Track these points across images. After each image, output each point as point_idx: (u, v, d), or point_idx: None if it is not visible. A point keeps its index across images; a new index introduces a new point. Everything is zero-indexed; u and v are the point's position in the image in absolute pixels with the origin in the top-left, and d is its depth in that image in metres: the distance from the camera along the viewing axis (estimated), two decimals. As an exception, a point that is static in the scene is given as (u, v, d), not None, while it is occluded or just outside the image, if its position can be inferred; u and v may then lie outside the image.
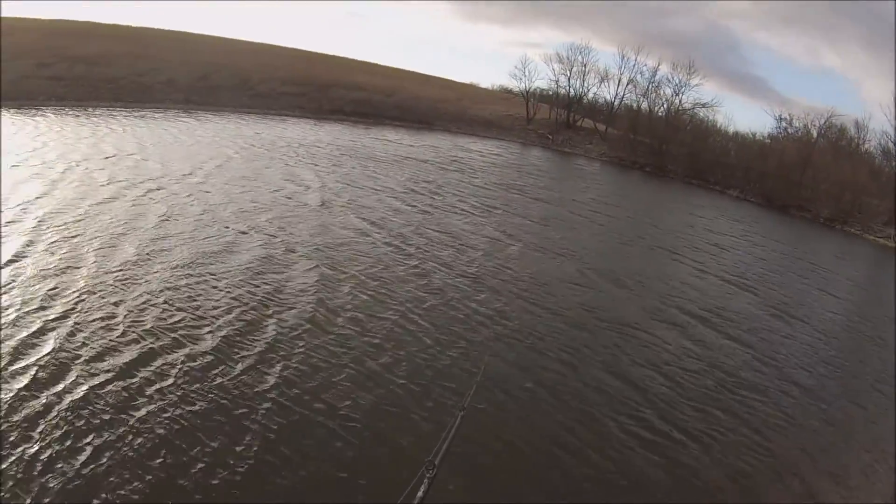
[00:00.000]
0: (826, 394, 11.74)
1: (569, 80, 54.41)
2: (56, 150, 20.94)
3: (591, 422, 8.79)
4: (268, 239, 14.51)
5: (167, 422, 7.17)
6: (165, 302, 10.27)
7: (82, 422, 6.90)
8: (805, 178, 45.64)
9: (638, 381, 10.44)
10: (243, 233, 14.68)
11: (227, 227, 14.86)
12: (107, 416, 7.06)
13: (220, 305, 10.48)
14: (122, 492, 6.00)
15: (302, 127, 38.16)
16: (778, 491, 8.16)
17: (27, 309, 9.33)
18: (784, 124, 53.55)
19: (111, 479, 6.15)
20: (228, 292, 11.04)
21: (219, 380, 8.20)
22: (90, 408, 7.16)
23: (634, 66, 53.59)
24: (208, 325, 9.71)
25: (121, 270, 11.33)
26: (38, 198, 15.04)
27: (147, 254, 12.30)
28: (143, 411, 7.27)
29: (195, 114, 36.51)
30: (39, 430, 6.69)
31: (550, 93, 55.74)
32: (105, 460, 6.38)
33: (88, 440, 6.61)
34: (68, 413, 7.02)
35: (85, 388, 7.53)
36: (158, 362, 8.37)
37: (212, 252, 12.95)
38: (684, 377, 10.97)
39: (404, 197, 21.96)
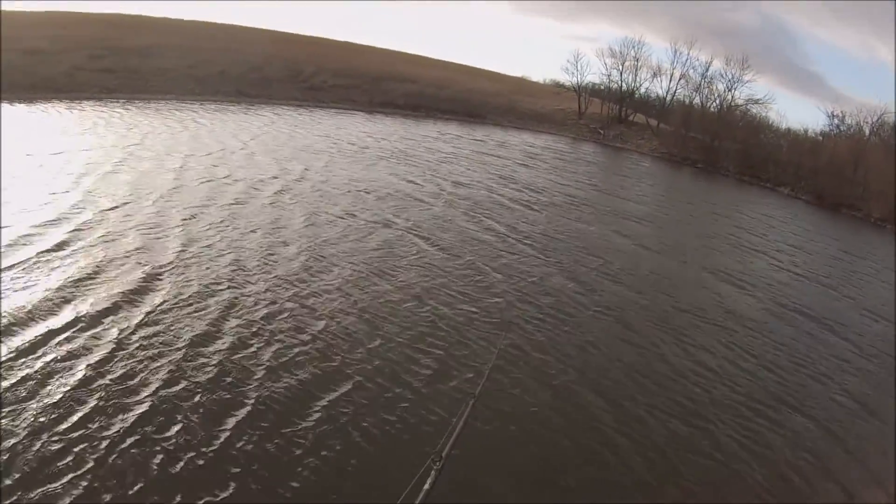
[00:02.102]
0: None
1: (621, 74, 53.71)
2: (152, 143, 21.37)
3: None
4: (419, 244, 14.79)
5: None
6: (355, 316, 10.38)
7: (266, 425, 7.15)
8: (857, 176, 44.90)
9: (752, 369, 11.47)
10: (397, 237, 14.89)
11: (372, 231, 15.06)
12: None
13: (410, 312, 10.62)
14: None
15: (360, 120, 37.91)
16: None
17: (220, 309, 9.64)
18: (836, 121, 52.65)
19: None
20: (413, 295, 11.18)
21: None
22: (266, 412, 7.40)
23: (687, 60, 52.65)
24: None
25: (299, 280, 11.34)
26: (173, 190, 15.80)
27: (314, 266, 12.26)
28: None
29: (254, 107, 36.27)
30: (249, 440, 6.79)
31: (602, 87, 55.10)
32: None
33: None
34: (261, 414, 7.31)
35: (258, 393, 7.69)
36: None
37: (379, 268, 12.85)
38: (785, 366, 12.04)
39: (504, 197, 22.01)
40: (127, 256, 11.14)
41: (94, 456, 6.20)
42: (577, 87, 53.58)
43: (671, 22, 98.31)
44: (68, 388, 7.18)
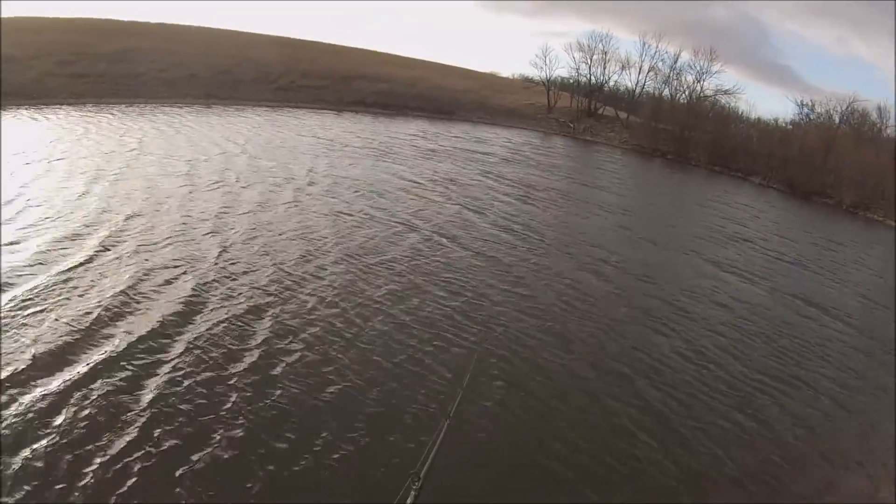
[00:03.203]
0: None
1: (589, 68, 54.22)
2: (149, 148, 21.88)
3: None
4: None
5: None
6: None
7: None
8: (828, 163, 45.17)
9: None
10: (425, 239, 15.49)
11: (394, 232, 15.69)
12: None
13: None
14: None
15: (339, 120, 38.37)
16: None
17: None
18: (806, 110, 53.03)
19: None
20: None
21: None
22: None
23: (655, 53, 53.12)
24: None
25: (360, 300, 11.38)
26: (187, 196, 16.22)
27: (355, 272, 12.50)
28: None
29: (230, 108, 36.60)
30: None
31: (571, 81, 55.50)
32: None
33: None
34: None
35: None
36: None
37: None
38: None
39: (496, 192, 22.96)
40: (163, 268, 11.25)
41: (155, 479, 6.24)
42: (546, 81, 54.16)
43: (642, 18, 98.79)
44: (122, 407, 7.18)
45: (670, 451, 8.09)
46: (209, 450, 6.74)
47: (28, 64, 33.60)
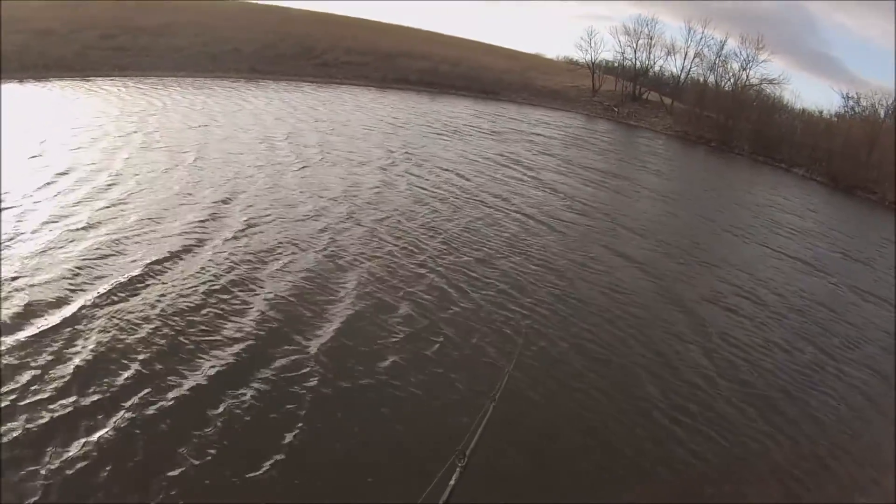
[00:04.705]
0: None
1: (635, 52, 53.15)
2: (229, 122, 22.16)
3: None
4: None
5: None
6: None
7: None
8: (871, 158, 44.50)
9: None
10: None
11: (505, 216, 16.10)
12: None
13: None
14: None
15: (386, 97, 37.99)
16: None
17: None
18: (851, 103, 52.09)
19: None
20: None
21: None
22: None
23: (701, 39, 51.99)
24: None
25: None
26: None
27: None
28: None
29: (279, 83, 36.27)
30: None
31: (616, 65, 54.65)
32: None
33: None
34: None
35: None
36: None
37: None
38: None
39: (571, 177, 23.19)
40: (274, 251, 11.19)
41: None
42: (591, 64, 53.34)
43: (689, 4, 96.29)
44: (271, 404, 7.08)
45: (716, 436, 8.00)
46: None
47: (69, 37, 33.27)
